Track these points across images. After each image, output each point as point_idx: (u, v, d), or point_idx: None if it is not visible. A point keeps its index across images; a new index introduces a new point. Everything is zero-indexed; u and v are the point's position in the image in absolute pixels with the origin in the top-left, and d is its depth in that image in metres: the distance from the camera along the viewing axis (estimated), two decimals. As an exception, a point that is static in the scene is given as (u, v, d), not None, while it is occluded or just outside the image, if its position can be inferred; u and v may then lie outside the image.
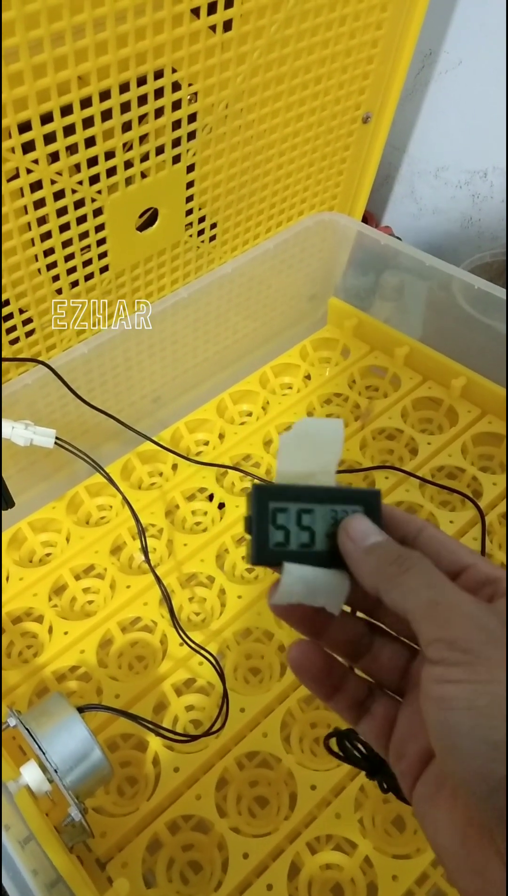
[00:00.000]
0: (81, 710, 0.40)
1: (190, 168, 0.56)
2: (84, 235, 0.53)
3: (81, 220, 0.52)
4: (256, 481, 0.63)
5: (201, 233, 0.63)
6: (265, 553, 0.26)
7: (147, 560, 0.53)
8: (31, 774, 0.39)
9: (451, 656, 0.20)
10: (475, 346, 0.68)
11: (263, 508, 0.26)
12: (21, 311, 0.54)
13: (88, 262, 0.55)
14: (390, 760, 0.25)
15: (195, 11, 0.47)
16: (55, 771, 0.38)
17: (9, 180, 0.45)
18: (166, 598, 0.53)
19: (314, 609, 0.25)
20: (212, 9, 0.48)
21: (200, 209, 0.60)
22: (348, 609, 0.27)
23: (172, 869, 0.45)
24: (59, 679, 0.53)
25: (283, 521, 0.26)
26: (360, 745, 0.30)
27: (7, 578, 0.57)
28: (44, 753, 0.38)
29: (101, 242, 0.54)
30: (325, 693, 0.26)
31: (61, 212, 0.50)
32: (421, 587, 0.22)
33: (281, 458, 0.27)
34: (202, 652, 0.50)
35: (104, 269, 0.57)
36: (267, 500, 0.26)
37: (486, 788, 0.19)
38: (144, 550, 0.54)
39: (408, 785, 0.23)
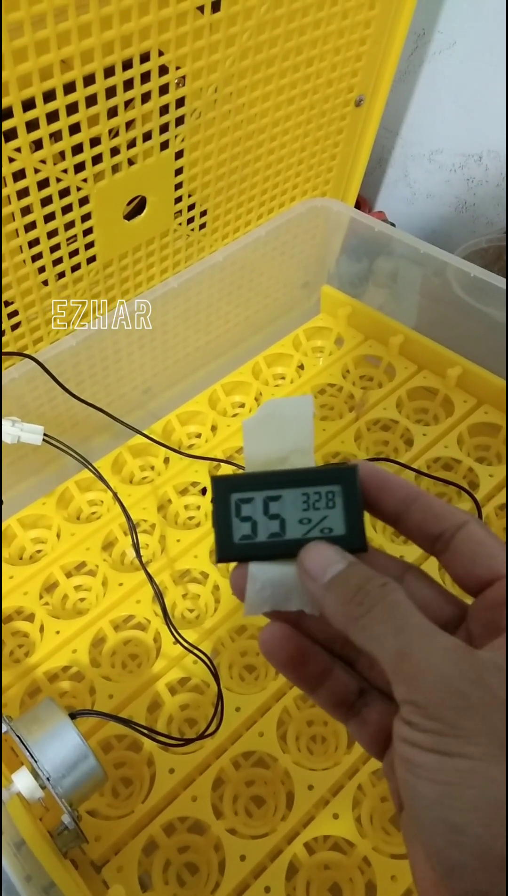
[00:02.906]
0: (73, 715, 0.39)
1: (179, 154, 0.55)
2: (70, 225, 0.51)
3: (67, 209, 0.50)
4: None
5: (190, 221, 0.61)
6: (230, 548, 0.24)
7: (139, 558, 0.52)
8: (23, 782, 0.38)
9: (421, 722, 0.18)
10: (471, 334, 0.67)
11: (223, 501, 0.24)
12: (6, 304, 0.52)
13: (74, 253, 0.53)
14: (384, 769, 0.23)
15: (182, -9, 0.45)
16: (48, 779, 0.37)
17: (-10, 169, 0.44)
18: (159, 596, 0.52)
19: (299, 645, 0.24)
20: (199, -12, 0.46)
21: (189, 196, 0.59)
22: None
23: (168, 871, 0.45)
24: (51, 679, 0.52)
25: (249, 513, 0.24)
26: None
27: (-3, 576, 0.56)
28: (36, 761, 0.37)
29: (87, 232, 0.53)
30: (306, 685, 0.24)
31: (46, 201, 0.48)
32: (387, 634, 0.20)
33: (247, 446, 0.25)
34: (196, 652, 0.49)
35: (91, 260, 0.55)
36: (228, 492, 0.24)
37: (442, 869, 0.17)
38: (136, 548, 0.53)
39: (400, 800, 0.22)
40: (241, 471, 0.63)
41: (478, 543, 0.22)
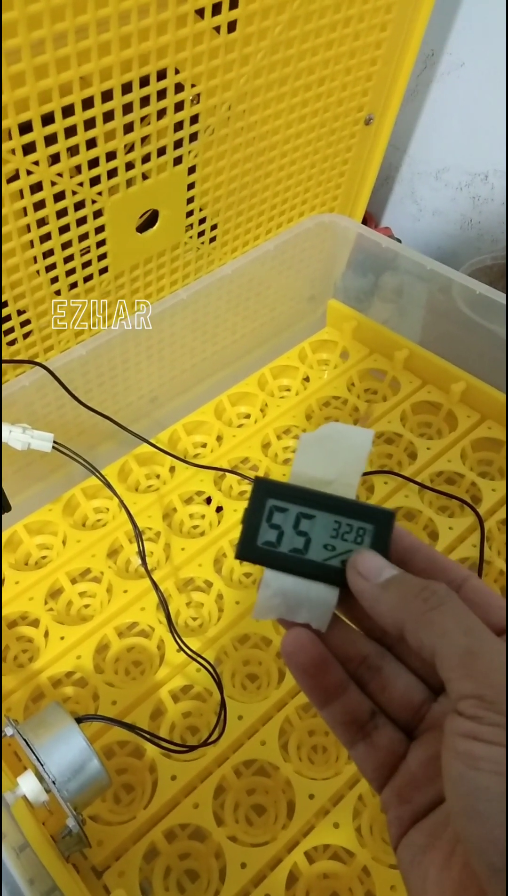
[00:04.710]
0: (78, 720, 0.39)
1: (191, 170, 0.56)
2: (84, 237, 0.52)
3: (81, 221, 0.51)
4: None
5: (201, 234, 0.62)
6: (251, 549, 0.25)
7: (144, 565, 0.53)
8: (28, 785, 0.38)
9: (486, 716, 0.18)
10: (474, 350, 0.67)
11: (259, 503, 0.25)
12: (19, 313, 0.53)
13: (87, 264, 0.54)
14: (385, 798, 0.23)
15: (200, 12, 0.46)
16: (53, 782, 0.37)
17: (9, 182, 0.45)
18: (163, 603, 0.52)
19: (318, 657, 0.24)
20: (216, 10, 0.47)
21: (200, 210, 0.60)
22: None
23: (169, 878, 0.45)
24: (55, 685, 0.52)
25: (279, 521, 0.25)
26: None
27: (3, 582, 0.57)
28: (42, 765, 0.37)
29: (100, 244, 0.54)
30: (320, 698, 0.24)
31: (61, 213, 0.49)
32: (456, 631, 0.20)
33: (299, 459, 0.26)
34: (199, 660, 0.49)
35: (104, 271, 0.56)
36: (266, 496, 0.25)
37: (503, 862, 0.18)
38: (141, 555, 0.53)
39: (399, 830, 0.22)
40: (250, 483, 0.64)
41: (487, 595, 0.23)
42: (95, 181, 0.49)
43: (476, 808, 0.18)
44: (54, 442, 0.51)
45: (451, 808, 0.19)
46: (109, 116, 0.46)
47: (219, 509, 0.62)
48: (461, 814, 0.19)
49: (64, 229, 0.50)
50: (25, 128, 0.43)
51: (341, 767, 0.47)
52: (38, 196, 0.47)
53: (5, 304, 0.52)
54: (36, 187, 0.46)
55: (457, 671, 0.20)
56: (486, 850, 0.18)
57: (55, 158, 0.46)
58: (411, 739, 0.24)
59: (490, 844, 0.18)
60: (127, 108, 0.47)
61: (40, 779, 0.38)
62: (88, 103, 0.45)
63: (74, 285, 0.55)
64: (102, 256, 0.55)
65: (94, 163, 0.48)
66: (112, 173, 0.50)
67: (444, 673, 0.20)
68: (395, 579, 0.23)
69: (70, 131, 0.45)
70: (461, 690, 0.19)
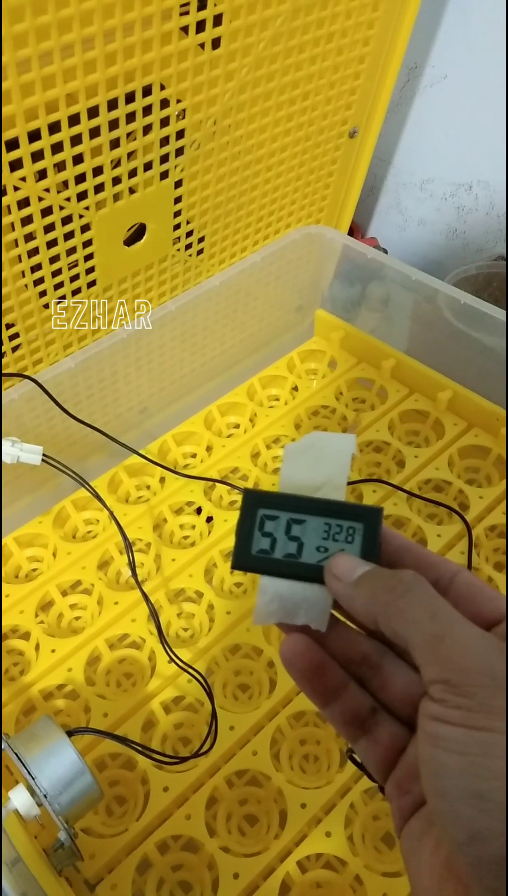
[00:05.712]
0: (70, 733, 0.39)
1: (178, 183, 0.56)
2: (72, 251, 0.53)
3: (69, 236, 0.51)
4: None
5: (188, 247, 0.63)
6: (246, 558, 0.25)
7: (134, 576, 0.53)
8: (19, 799, 0.38)
9: (451, 699, 0.19)
10: (461, 358, 0.68)
11: (250, 513, 0.26)
12: (8, 327, 0.53)
13: (75, 278, 0.55)
14: (388, 790, 0.24)
15: (184, 29, 0.47)
16: (44, 796, 0.37)
17: (-4, 197, 0.45)
18: (154, 614, 0.52)
19: (317, 662, 0.24)
20: (201, 27, 0.48)
21: (187, 223, 0.60)
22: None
23: (161, 889, 0.45)
24: (46, 698, 0.52)
25: (271, 529, 0.25)
26: None
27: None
28: (33, 778, 0.37)
29: (88, 258, 0.54)
30: (321, 699, 0.25)
31: (49, 228, 0.50)
32: (423, 618, 0.21)
33: (285, 468, 0.26)
34: (190, 671, 0.50)
35: (92, 284, 0.56)
36: (256, 506, 0.26)
37: (464, 836, 0.19)
38: (132, 566, 0.53)
39: (401, 820, 0.23)
40: (240, 493, 0.64)
41: (477, 588, 0.23)
42: (82, 196, 0.50)
43: (442, 785, 0.19)
44: (44, 454, 0.52)
45: (423, 787, 0.20)
46: (95, 132, 0.47)
47: (209, 519, 0.63)
48: (430, 791, 0.20)
49: (52, 244, 0.51)
50: (12, 144, 0.43)
51: (332, 776, 0.48)
52: (26, 211, 0.47)
53: (-6, 318, 0.52)
54: (23, 203, 0.47)
55: (426, 657, 0.20)
56: (451, 826, 0.19)
57: (42, 174, 0.46)
58: (413, 733, 0.25)
59: (455, 820, 0.19)
60: (113, 125, 0.47)
61: (32, 792, 0.38)
62: (74, 120, 0.45)
63: (62, 299, 0.55)
64: (90, 270, 0.55)
65: (80, 178, 0.48)
66: (99, 188, 0.50)
67: (417, 660, 0.21)
68: (366, 575, 0.23)
69: (57, 147, 0.46)
70: (429, 676, 0.20)
